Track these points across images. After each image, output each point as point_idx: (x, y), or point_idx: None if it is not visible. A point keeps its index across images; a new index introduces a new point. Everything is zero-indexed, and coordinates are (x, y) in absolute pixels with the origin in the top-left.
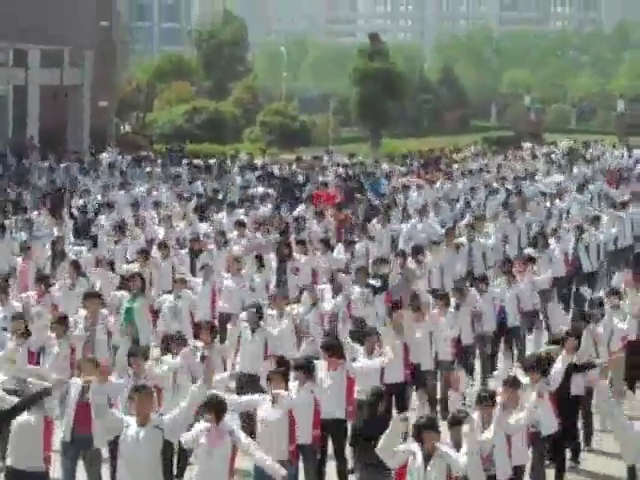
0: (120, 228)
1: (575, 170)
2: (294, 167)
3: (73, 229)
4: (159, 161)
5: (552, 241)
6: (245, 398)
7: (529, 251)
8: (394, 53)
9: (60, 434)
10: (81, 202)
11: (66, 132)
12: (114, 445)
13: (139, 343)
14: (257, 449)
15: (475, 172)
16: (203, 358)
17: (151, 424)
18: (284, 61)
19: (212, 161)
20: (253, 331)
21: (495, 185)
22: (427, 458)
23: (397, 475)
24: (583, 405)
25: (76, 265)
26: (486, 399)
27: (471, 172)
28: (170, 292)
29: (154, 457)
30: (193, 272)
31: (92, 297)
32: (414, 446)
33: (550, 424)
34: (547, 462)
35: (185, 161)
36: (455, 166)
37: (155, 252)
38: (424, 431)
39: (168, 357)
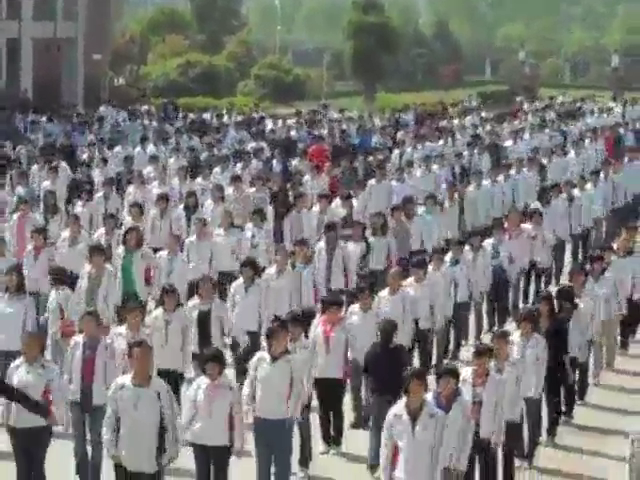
0: (110, 185)
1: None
2: (288, 121)
3: (72, 184)
4: (154, 116)
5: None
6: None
7: (535, 204)
8: (389, 7)
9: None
10: (85, 156)
11: (60, 85)
12: None
13: (136, 298)
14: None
15: (471, 128)
16: (201, 313)
17: (152, 388)
18: (278, 14)
19: (206, 115)
20: (247, 288)
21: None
22: (414, 419)
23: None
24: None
25: (77, 219)
26: (481, 353)
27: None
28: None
29: (152, 425)
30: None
31: (96, 252)
32: (397, 407)
33: (530, 385)
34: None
35: (180, 115)
36: (455, 121)
37: (152, 206)
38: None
39: (159, 310)
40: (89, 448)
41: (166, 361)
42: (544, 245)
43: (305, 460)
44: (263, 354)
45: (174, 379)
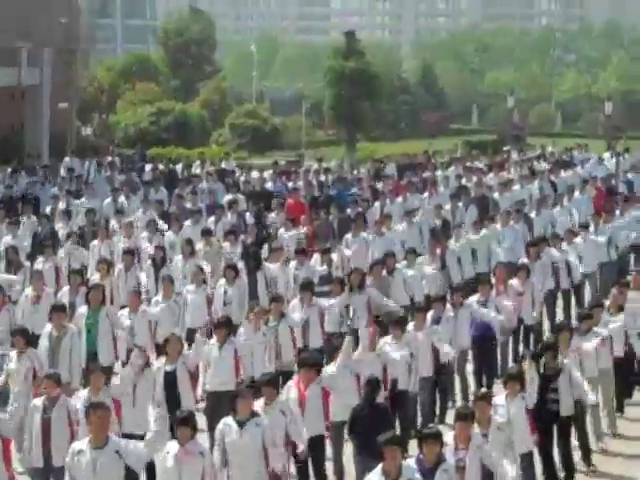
0: (78, 236)
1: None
2: (265, 173)
3: (33, 238)
4: (117, 167)
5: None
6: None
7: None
8: (370, 52)
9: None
10: (48, 209)
11: (24, 135)
12: None
13: (95, 359)
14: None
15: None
16: (167, 374)
17: (110, 448)
18: (254, 60)
19: (177, 166)
20: (221, 347)
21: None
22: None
23: None
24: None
25: (40, 276)
26: (462, 416)
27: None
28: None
29: None
30: (158, 284)
31: (59, 311)
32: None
33: (524, 441)
34: None
35: (149, 166)
36: (438, 172)
37: (118, 262)
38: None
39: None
40: None
41: (135, 423)
42: (533, 302)
43: None
44: (228, 420)
45: None
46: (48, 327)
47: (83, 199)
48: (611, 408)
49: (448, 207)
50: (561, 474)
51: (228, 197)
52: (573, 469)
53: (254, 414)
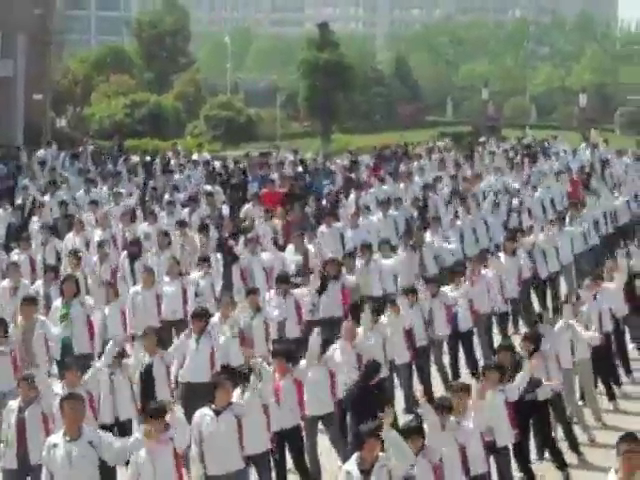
0: (50, 229)
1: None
2: (240, 165)
3: (7, 229)
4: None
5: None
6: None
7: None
8: (344, 44)
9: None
10: (19, 201)
11: None
12: None
13: (71, 351)
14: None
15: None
16: (146, 366)
17: (83, 439)
18: (228, 52)
19: (152, 158)
20: (198, 339)
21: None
22: (367, 474)
23: None
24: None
25: (17, 268)
26: (441, 407)
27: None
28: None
29: (92, 475)
30: (132, 276)
31: (28, 302)
32: (349, 463)
33: (503, 435)
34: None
35: (122, 158)
36: (414, 164)
37: (93, 254)
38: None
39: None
40: None
41: (112, 413)
42: (502, 291)
43: None
44: (204, 410)
45: (127, 429)
46: (19, 319)
47: (61, 192)
48: (592, 398)
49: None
50: (536, 464)
51: (204, 188)
52: (561, 453)
53: (231, 403)
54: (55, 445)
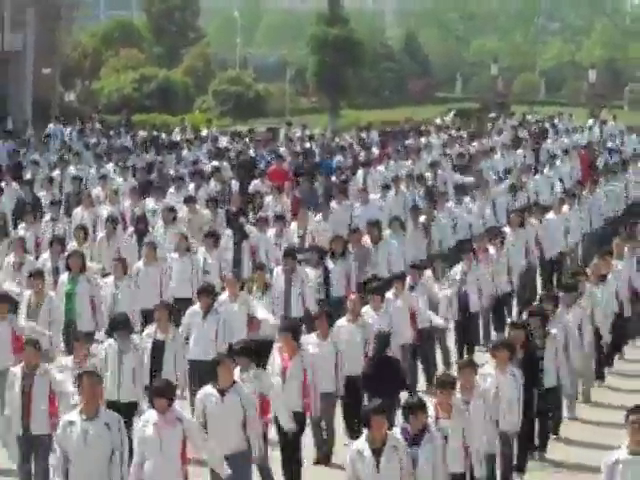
0: (57, 205)
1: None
2: (246, 139)
3: (16, 205)
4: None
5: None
6: None
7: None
8: (354, 19)
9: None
10: (29, 176)
11: (7, 102)
12: None
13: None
14: (206, 440)
15: (439, 146)
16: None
17: (101, 419)
18: (238, 27)
19: (158, 133)
20: (204, 316)
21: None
22: (378, 453)
23: None
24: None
25: (22, 243)
26: (444, 384)
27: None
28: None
29: (104, 458)
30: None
31: (37, 277)
32: (359, 442)
33: (512, 420)
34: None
35: (130, 133)
36: (422, 140)
37: (101, 230)
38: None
39: (111, 339)
40: None
41: (119, 393)
42: (509, 270)
43: None
44: (208, 389)
45: (130, 411)
46: (26, 293)
47: (72, 167)
48: (589, 378)
49: (429, 175)
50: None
51: (212, 164)
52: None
53: (235, 382)
54: (71, 423)
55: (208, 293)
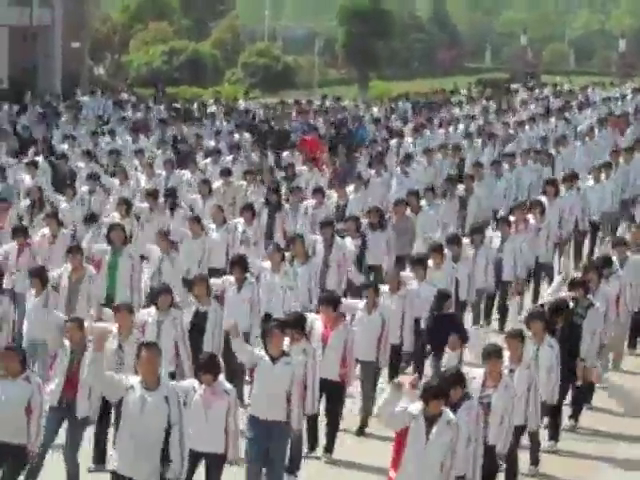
0: (94, 178)
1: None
2: (278, 112)
3: (52, 178)
4: (141, 105)
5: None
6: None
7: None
8: None
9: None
10: (64, 147)
11: (37, 76)
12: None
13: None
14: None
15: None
16: (199, 314)
17: (161, 391)
18: None
19: (192, 105)
20: (239, 287)
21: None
22: (430, 423)
23: (396, 439)
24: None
25: (56, 216)
26: (491, 354)
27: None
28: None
29: (158, 431)
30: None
31: (75, 251)
32: (415, 408)
33: (552, 393)
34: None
35: (163, 106)
36: (456, 110)
37: (140, 202)
38: (431, 398)
39: (151, 309)
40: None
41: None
42: (547, 240)
43: (294, 468)
44: (262, 353)
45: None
46: (67, 268)
47: (107, 138)
48: (621, 348)
49: (465, 145)
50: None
51: (246, 136)
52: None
53: (285, 353)
54: (131, 387)
55: (240, 264)
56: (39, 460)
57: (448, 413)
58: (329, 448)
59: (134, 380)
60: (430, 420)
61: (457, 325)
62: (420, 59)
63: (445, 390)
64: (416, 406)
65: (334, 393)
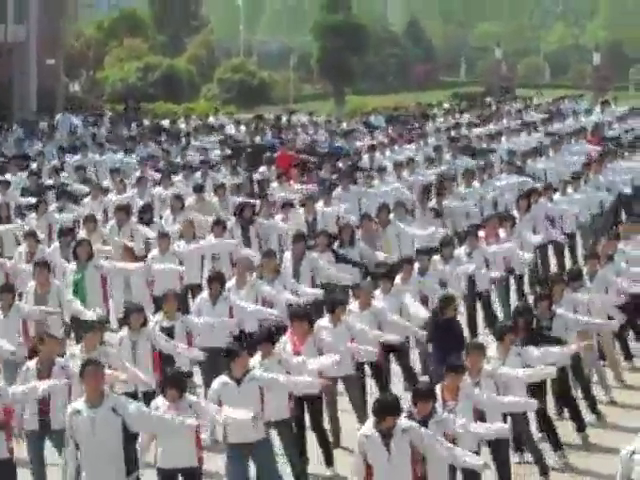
0: (66, 194)
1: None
2: (252, 127)
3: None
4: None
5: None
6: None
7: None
8: (357, 4)
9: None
10: (34, 166)
11: (12, 93)
12: None
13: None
14: (220, 410)
15: (443, 131)
16: (164, 330)
17: (106, 405)
18: (241, 14)
19: (165, 122)
20: (214, 303)
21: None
22: (386, 436)
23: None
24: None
25: (34, 234)
26: (451, 369)
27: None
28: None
29: (114, 445)
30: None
31: (42, 266)
32: (366, 428)
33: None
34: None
35: (134, 123)
36: (429, 124)
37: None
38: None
39: (124, 330)
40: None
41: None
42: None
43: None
44: (224, 378)
45: (147, 401)
46: (32, 283)
47: (78, 156)
48: (613, 359)
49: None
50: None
51: (223, 152)
52: (580, 413)
53: (249, 370)
54: (77, 412)
55: (216, 280)
56: None
57: (401, 422)
58: (329, 461)
59: (78, 404)
60: (385, 434)
61: (458, 331)
62: (395, 73)
63: (397, 405)
64: (367, 426)
65: (315, 406)
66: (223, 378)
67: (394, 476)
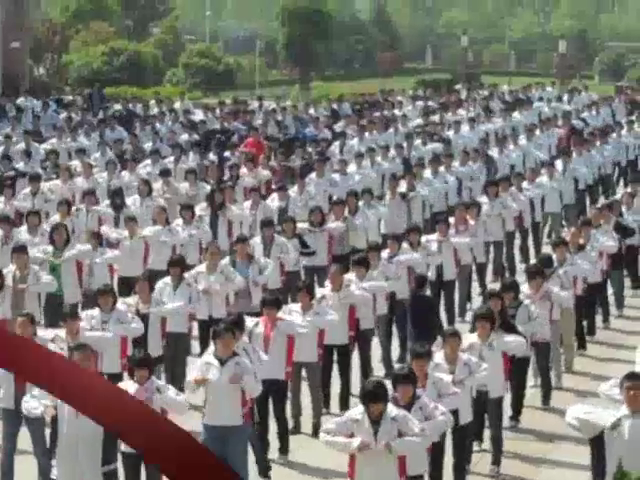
0: (35, 178)
1: (517, 116)
2: (217, 112)
3: None
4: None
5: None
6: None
7: (482, 199)
8: None
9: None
10: (1, 149)
11: None
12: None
13: (63, 301)
14: (184, 408)
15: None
16: (139, 313)
17: None
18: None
19: (132, 106)
20: (175, 288)
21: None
22: (375, 423)
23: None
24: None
25: (8, 219)
26: (420, 355)
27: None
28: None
29: (95, 431)
30: (117, 225)
31: (20, 252)
32: (357, 412)
33: (497, 387)
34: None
35: (103, 106)
36: (395, 111)
37: (79, 203)
38: (370, 402)
39: (95, 311)
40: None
41: (102, 364)
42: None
43: (265, 470)
44: (209, 358)
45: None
46: (11, 267)
47: (53, 140)
48: (571, 346)
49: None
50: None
51: (191, 137)
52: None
53: (235, 353)
54: None
55: (177, 264)
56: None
57: (391, 410)
58: (284, 449)
59: None
60: (375, 421)
61: (432, 308)
62: (361, 60)
63: (383, 392)
64: (358, 410)
65: (280, 392)
66: (208, 357)
67: (378, 462)
